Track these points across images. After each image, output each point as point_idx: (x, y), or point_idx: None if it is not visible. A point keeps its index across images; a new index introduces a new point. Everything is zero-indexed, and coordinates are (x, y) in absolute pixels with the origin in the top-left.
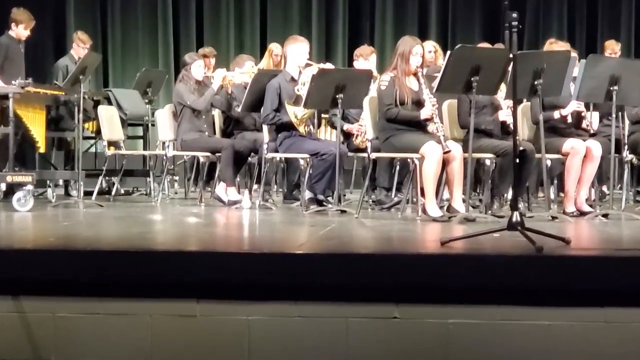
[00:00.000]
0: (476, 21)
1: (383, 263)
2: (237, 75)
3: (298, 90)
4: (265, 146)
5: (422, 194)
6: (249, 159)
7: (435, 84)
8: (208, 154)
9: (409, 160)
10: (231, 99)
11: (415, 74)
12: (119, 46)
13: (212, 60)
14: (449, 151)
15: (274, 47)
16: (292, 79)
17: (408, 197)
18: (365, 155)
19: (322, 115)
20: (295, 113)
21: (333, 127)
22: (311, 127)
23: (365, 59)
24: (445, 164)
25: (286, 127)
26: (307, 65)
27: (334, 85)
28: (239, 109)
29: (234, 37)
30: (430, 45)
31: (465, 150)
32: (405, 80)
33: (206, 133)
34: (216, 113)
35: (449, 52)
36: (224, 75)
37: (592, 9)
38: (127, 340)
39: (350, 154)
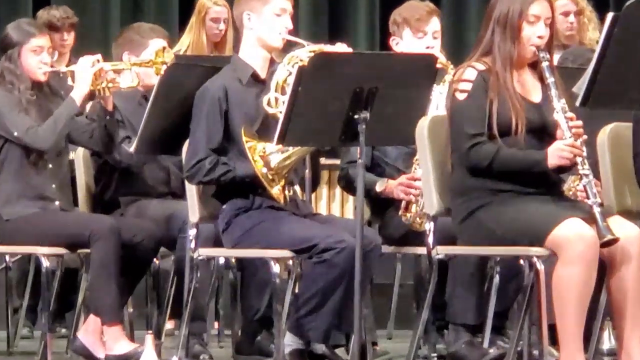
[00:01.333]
0: None
1: None
2: (126, 73)
3: (269, 103)
4: (192, 232)
5: (555, 341)
6: (155, 260)
7: (580, 86)
8: (61, 250)
9: (521, 262)
10: (113, 124)
11: (534, 65)
12: None
13: (68, 37)
14: (614, 241)
15: (209, 3)
16: (255, 79)
17: (520, 347)
18: (421, 251)
19: (324, 161)
20: (264, 153)
21: (349, 187)
22: (297, 188)
23: (416, 31)
24: (603, 269)
25: (242, 190)
26: (288, 45)
27: (349, 90)
28: (131, 148)
29: None
30: (569, 0)
31: None
32: (511, 79)
33: (56, 203)
34: (79, 155)
35: (610, 16)
36: (99, 68)
37: None
38: None
39: (387, 248)
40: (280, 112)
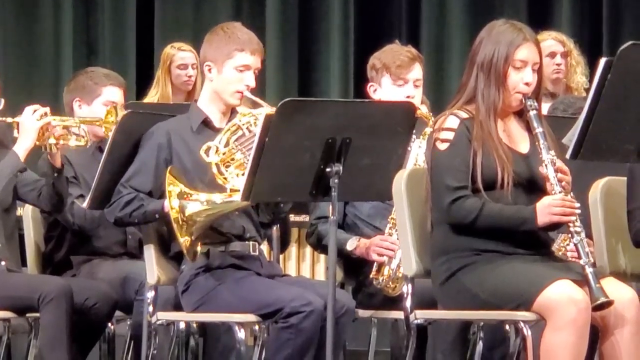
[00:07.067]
0: None
1: None
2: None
3: (207, 151)
4: (149, 295)
5: None
6: (110, 325)
7: (571, 138)
8: (8, 314)
9: (507, 327)
10: (61, 182)
11: (520, 113)
12: None
13: None
14: (608, 304)
15: (173, 50)
16: (207, 125)
17: None
18: (399, 315)
19: (293, 218)
20: (186, 197)
21: (318, 244)
22: (263, 247)
23: (396, 78)
24: (596, 334)
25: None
26: (246, 104)
27: (321, 141)
28: (84, 204)
29: (70, 26)
30: (556, 41)
31: None
32: (496, 128)
33: (2, 263)
34: (27, 212)
35: (602, 61)
36: (46, 122)
37: None
38: None
39: (362, 312)
40: (216, 164)
